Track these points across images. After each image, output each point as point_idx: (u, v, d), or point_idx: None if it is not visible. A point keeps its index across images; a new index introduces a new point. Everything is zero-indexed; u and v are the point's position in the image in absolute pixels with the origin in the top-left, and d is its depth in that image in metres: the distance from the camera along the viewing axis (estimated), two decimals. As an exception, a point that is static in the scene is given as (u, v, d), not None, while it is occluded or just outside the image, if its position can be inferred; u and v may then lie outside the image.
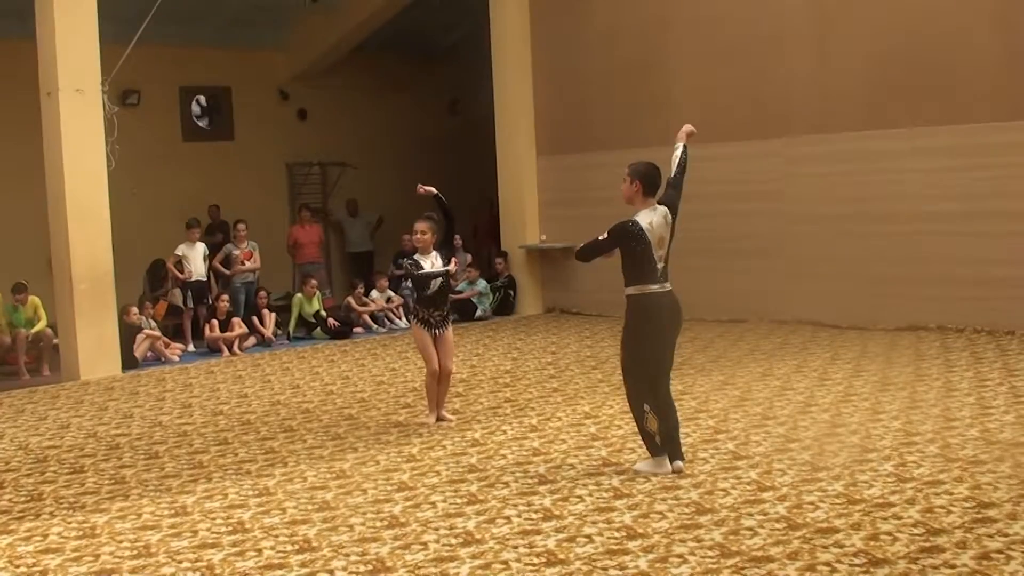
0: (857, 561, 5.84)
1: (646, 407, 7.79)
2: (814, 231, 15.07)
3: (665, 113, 16.40)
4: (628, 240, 7.70)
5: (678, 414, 7.99)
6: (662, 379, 7.85)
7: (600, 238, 7.82)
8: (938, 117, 13.95)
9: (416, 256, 9.75)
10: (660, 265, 7.73)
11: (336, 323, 16.50)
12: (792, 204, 15.30)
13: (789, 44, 15.28)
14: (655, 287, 7.72)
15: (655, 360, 7.81)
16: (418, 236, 9.75)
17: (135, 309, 14.92)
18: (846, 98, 14.78)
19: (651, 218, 7.74)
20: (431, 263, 9.69)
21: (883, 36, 14.39)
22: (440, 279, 9.71)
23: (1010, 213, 13.44)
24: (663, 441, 7.79)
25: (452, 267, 9.99)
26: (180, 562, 6.32)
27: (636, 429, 8.09)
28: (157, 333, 15.15)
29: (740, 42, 15.74)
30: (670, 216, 7.84)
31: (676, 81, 16.42)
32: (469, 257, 18.90)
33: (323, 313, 16.59)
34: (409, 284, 9.87)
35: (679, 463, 7.78)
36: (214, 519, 7.16)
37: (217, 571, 6.14)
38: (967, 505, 6.73)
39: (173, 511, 7.40)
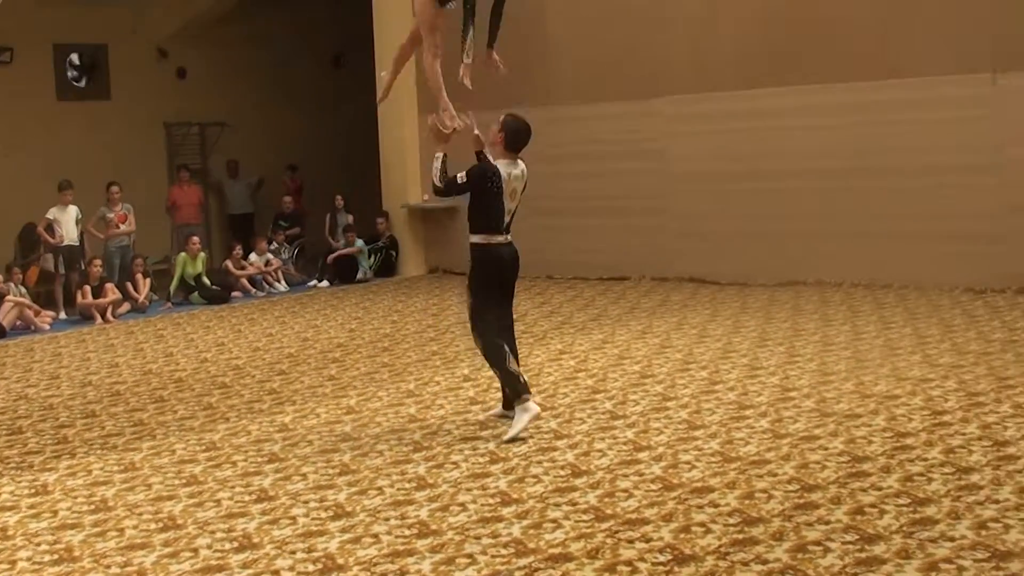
0: (732, 520, 5.81)
1: (505, 347, 7.90)
2: (695, 189, 15.08)
3: (544, 73, 16.29)
4: (484, 182, 7.89)
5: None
6: (505, 332, 8.08)
7: (459, 179, 7.92)
8: (817, 76, 14.00)
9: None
10: (507, 219, 7.99)
11: (214, 286, 16.11)
12: (674, 163, 15.27)
13: (670, 5, 15.22)
14: (500, 238, 7.97)
15: (499, 309, 8.06)
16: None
17: (0, 276, 14.41)
18: (727, 57, 14.76)
19: (510, 170, 8.00)
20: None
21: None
22: None
23: (885, 169, 13.56)
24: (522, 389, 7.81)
25: None
26: (38, 544, 6.06)
27: (497, 377, 8.10)
28: (26, 300, 14.64)
29: (620, 2, 15.66)
30: (526, 176, 8.10)
31: (556, 42, 16.27)
32: (351, 218, 18.54)
33: (205, 280, 16.15)
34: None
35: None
36: (76, 498, 6.88)
37: (76, 553, 5.89)
38: (841, 460, 6.76)
39: (33, 490, 7.09)
